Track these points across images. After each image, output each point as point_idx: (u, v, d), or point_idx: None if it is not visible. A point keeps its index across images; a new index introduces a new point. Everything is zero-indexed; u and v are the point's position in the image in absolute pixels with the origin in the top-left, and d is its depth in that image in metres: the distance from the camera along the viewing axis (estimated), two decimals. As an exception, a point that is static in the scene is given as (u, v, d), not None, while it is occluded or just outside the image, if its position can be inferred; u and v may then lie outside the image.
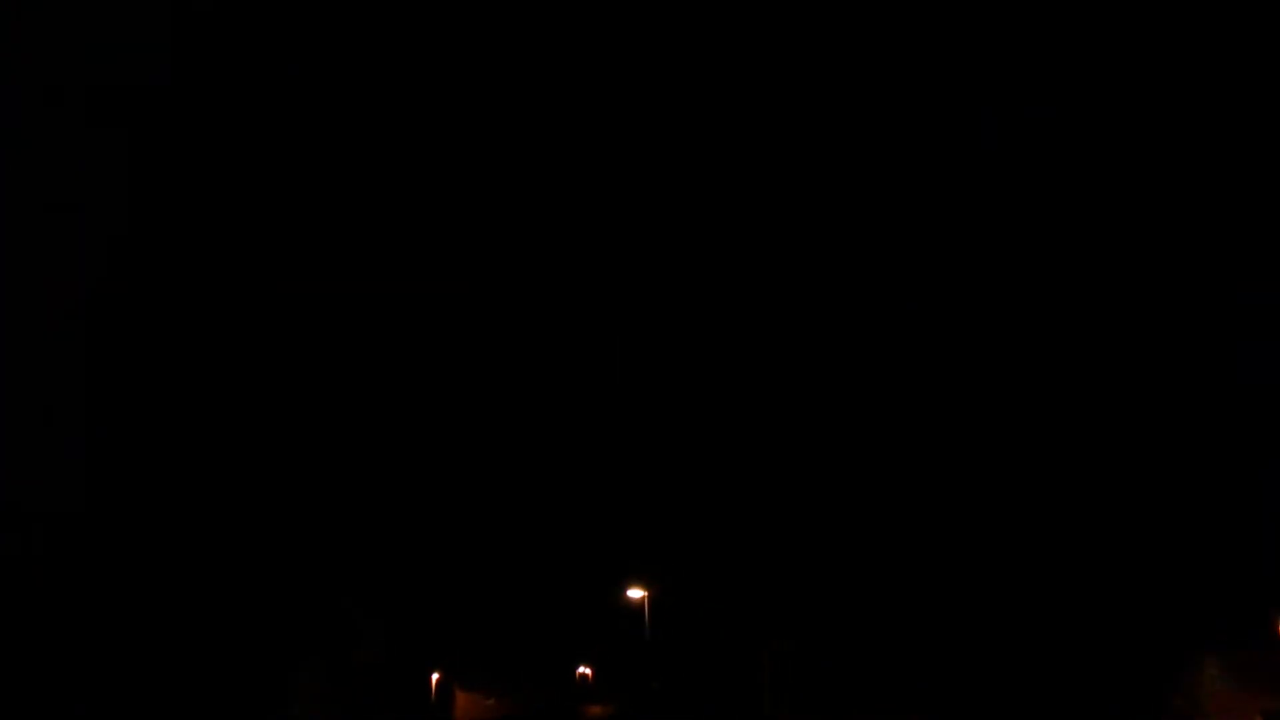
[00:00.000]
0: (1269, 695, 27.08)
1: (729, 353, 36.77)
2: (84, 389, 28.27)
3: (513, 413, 38.05)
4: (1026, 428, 31.75)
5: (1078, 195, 32.50)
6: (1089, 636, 30.38)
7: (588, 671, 40.94)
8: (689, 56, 34.86)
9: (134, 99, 29.80)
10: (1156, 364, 29.92)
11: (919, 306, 33.95)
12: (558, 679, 39.79)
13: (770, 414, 36.31)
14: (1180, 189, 30.74)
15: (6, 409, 27.68)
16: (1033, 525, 31.30)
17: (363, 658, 35.04)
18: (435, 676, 37.53)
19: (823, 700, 34.87)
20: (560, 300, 36.98)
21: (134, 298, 29.73)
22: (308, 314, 32.15)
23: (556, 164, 35.83)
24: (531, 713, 38.82)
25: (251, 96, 31.96)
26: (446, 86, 34.73)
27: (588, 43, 34.42)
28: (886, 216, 34.77)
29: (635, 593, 35.72)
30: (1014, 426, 31.99)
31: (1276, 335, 27.42)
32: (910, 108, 34.68)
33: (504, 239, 35.81)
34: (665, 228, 36.30)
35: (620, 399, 37.68)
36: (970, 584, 32.30)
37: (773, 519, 36.20)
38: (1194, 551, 28.72)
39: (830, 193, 35.25)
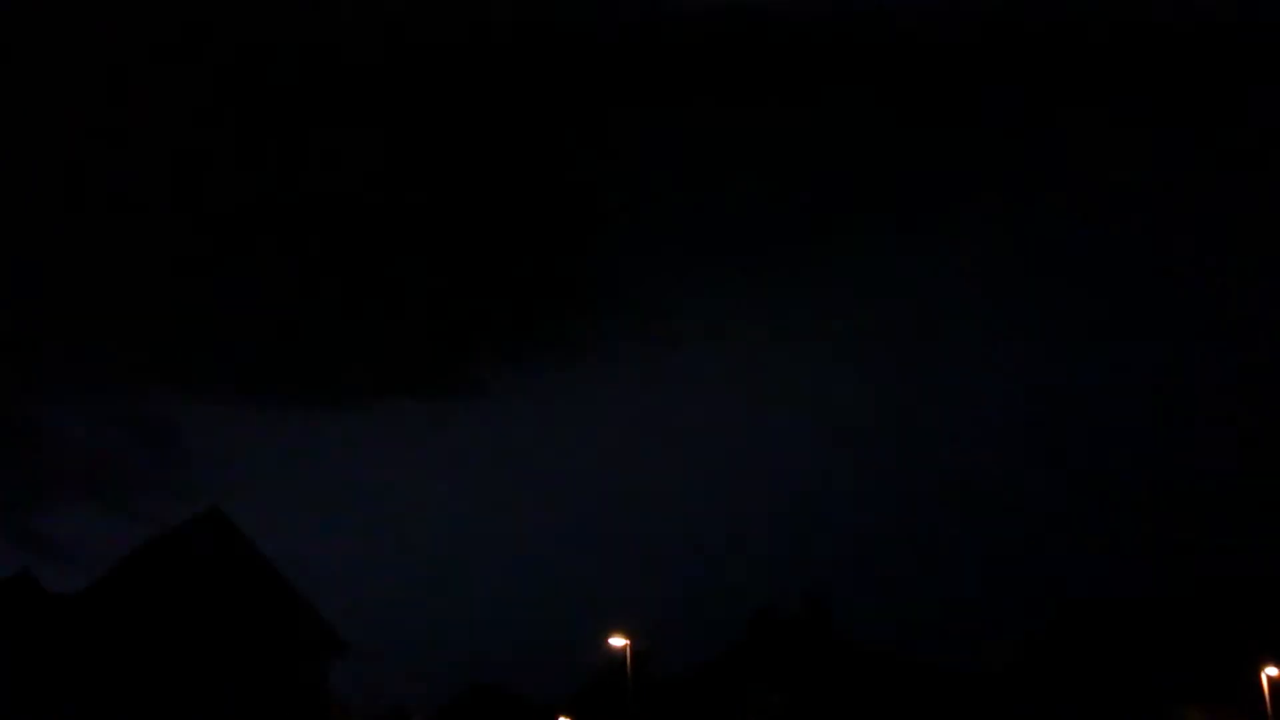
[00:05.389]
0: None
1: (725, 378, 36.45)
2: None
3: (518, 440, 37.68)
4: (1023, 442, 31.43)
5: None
6: (1072, 687, 29.93)
7: (569, 721, 40.32)
8: (688, 55, 34.61)
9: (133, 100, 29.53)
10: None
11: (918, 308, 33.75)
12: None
13: (770, 441, 35.94)
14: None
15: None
16: (1028, 562, 30.85)
17: (338, 707, 34.48)
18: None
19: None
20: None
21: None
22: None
23: (554, 165, 35.39)
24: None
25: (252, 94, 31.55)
26: (446, 86, 34.29)
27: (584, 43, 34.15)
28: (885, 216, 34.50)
29: (618, 641, 35.39)
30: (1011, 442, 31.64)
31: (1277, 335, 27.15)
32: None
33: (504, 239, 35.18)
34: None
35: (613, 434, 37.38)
36: (962, 618, 31.77)
37: (764, 562, 35.71)
38: (1177, 599, 28.36)
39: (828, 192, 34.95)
